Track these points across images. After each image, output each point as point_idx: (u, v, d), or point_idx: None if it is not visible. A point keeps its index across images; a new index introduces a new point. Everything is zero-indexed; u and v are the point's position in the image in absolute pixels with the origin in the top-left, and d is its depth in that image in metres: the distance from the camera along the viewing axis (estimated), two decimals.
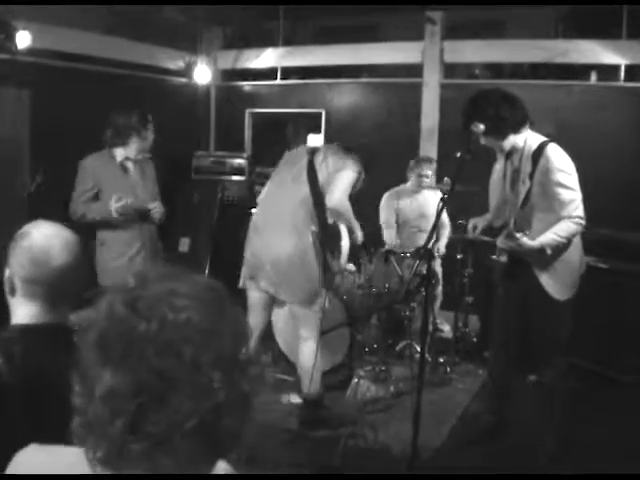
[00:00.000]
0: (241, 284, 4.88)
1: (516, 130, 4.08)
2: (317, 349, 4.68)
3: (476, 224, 4.49)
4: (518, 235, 3.94)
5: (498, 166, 4.41)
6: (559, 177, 3.94)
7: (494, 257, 4.63)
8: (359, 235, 4.76)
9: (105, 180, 4.91)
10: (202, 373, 1.12)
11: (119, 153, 5.00)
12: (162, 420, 1.10)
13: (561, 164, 3.98)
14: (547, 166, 3.97)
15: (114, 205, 4.77)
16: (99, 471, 1.15)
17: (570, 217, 3.92)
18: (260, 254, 4.67)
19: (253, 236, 4.75)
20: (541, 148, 4.04)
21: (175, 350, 1.10)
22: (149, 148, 5.15)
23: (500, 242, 4.31)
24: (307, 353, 4.71)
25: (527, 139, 4.12)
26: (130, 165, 5.06)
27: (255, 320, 4.88)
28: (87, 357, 1.14)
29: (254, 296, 4.83)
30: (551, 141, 4.09)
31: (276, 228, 4.62)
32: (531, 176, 4.03)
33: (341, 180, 4.54)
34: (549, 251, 3.96)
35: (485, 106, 4.06)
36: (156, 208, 4.99)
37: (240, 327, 1.22)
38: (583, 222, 3.97)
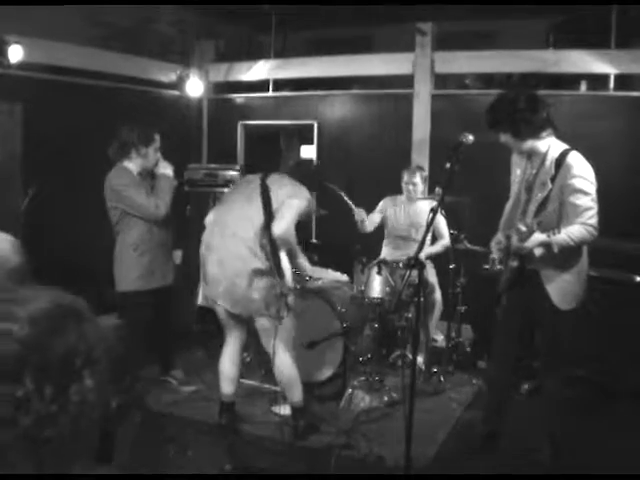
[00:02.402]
0: (200, 301, 4.95)
1: (535, 134, 4.10)
2: (291, 357, 4.77)
3: (499, 240, 4.44)
4: (523, 228, 3.92)
5: (518, 169, 4.41)
6: (579, 183, 3.94)
7: (487, 267, 4.63)
8: (302, 263, 4.86)
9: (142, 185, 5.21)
10: (21, 386, 1.15)
11: (132, 168, 5.22)
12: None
13: (582, 171, 3.98)
14: (568, 172, 3.97)
15: (163, 165, 5.29)
16: None
17: (584, 224, 3.90)
18: (214, 273, 4.66)
19: (207, 255, 4.72)
20: (564, 155, 4.05)
21: None
22: (153, 165, 5.31)
23: (497, 245, 4.35)
24: (285, 365, 4.74)
25: (551, 145, 4.13)
26: (145, 177, 5.32)
27: (231, 334, 4.95)
28: None
29: (220, 312, 4.84)
30: (574, 149, 4.11)
31: (228, 247, 4.62)
32: (553, 179, 4.04)
33: (291, 208, 4.57)
34: (556, 249, 3.89)
35: (506, 105, 4.11)
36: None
37: (80, 341, 1.23)
38: (596, 233, 3.94)
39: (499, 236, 4.41)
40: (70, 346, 1.21)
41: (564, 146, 4.14)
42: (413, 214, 6.28)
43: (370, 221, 6.29)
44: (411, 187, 6.21)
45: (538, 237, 3.86)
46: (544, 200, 4.06)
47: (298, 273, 4.96)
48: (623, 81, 6.47)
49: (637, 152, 6.13)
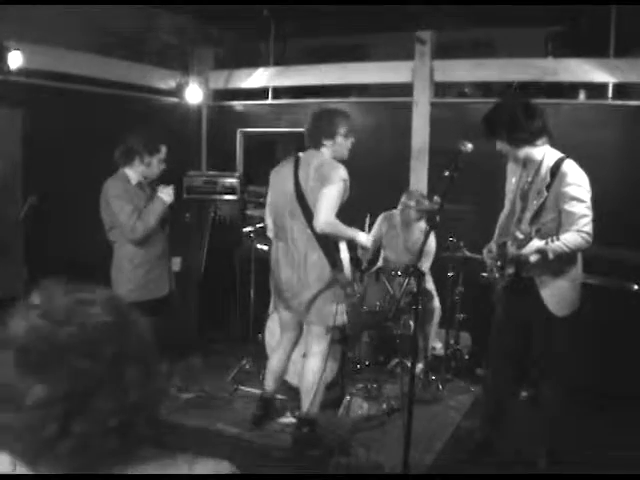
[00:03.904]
0: (271, 310, 5.01)
1: (530, 141, 4.12)
2: (322, 369, 4.71)
3: (490, 248, 4.46)
4: (521, 235, 3.92)
5: (514, 178, 4.43)
6: (574, 191, 3.96)
7: (485, 274, 4.64)
8: (362, 241, 4.68)
9: (133, 200, 5.09)
10: (121, 372, 1.21)
11: (131, 176, 5.16)
12: (87, 420, 1.18)
13: (577, 179, 4.00)
14: (563, 179, 3.99)
15: (166, 191, 5.11)
16: (23, 471, 1.23)
17: (579, 231, 3.92)
18: (279, 283, 4.79)
19: (274, 266, 4.84)
20: (559, 163, 4.07)
21: (96, 351, 1.19)
22: (155, 175, 5.26)
23: (488, 254, 4.37)
24: (310, 369, 4.72)
25: (546, 153, 4.15)
26: (144, 187, 5.25)
27: (286, 337, 5.02)
28: (9, 373, 1.18)
29: (285, 316, 4.95)
30: (568, 157, 4.13)
31: (286, 259, 4.69)
32: (548, 187, 4.05)
33: (324, 199, 4.45)
34: (551, 255, 3.91)
35: (503, 112, 4.15)
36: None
37: (143, 331, 1.31)
38: (590, 240, 3.96)
39: (491, 244, 4.43)
40: (139, 334, 1.29)
41: (559, 154, 4.15)
42: (410, 243, 6.24)
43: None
44: (409, 211, 6.17)
45: (535, 244, 3.87)
46: (539, 208, 4.08)
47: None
48: (622, 90, 6.49)
49: (635, 161, 6.14)
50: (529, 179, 4.23)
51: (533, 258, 3.97)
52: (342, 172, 4.52)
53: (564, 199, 3.98)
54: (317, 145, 4.70)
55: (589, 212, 3.97)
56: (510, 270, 4.27)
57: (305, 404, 4.75)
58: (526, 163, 4.26)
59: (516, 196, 4.35)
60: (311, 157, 4.68)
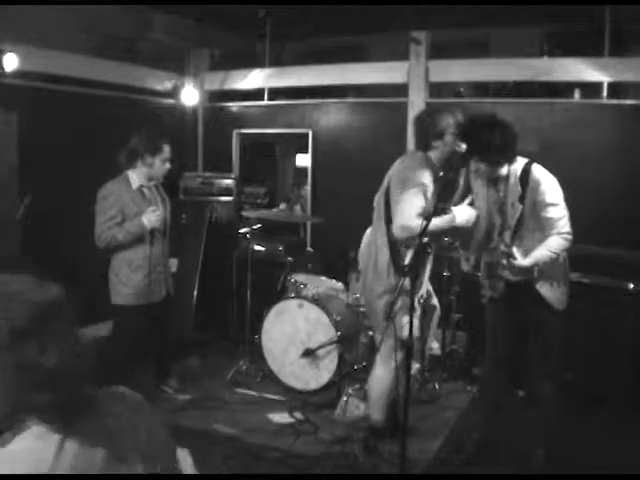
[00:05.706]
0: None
1: (511, 161, 4.16)
2: (391, 378, 4.54)
3: (468, 257, 4.50)
4: (514, 261, 4.04)
5: (481, 194, 4.44)
6: (548, 196, 4.07)
7: (480, 274, 4.65)
8: (462, 219, 4.31)
9: (126, 206, 5.03)
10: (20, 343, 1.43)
11: (133, 179, 5.12)
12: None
13: (548, 184, 4.10)
14: (536, 187, 4.09)
15: (150, 215, 5.01)
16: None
17: (560, 233, 4.06)
18: (361, 286, 4.89)
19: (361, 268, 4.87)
20: (526, 171, 4.13)
21: None
22: (159, 176, 5.24)
23: (466, 262, 4.43)
24: (375, 379, 4.67)
25: (510, 166, 4.20)
26: (146, 190, 5.20)
27: None
28: None
29: None
30: (533, 161, 4.17)
31: (366, 269, 4.65)
32: (522, 198, 4.11)
33: (399, 205, 4.19)
34: (541, 264, 4.09)
35: (487, 134, 4.06)
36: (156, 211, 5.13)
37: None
38: (571, 237, 4.11)
39: (470, 255, 4.47)
40: None
41: (523, 161, 4.21)
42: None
43: None
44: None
45: (524, 263, 4.09)
46: (519, 219, 4.18)
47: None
48: (616, 89, 6.50)
49: (630, 160, 6.15)
50: (501, 194, 4.27)
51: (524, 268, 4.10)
52: (421, 178, 4.23)
53: (541, 207, 4.10)
54: (426, 147, 4.41)
55: (565, 212, 4.12)
56: (501, 285, 4.36)
57: (371, 412, 4.75)
58: (496, 180, 4.28)
59: (492, 211, 4.36)
60: (406, 157, 4.59)
